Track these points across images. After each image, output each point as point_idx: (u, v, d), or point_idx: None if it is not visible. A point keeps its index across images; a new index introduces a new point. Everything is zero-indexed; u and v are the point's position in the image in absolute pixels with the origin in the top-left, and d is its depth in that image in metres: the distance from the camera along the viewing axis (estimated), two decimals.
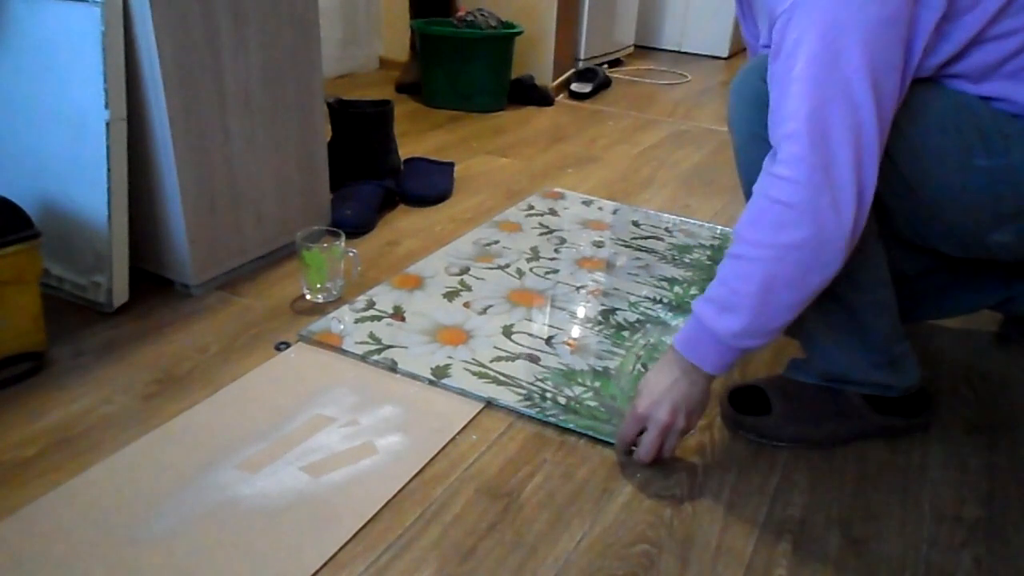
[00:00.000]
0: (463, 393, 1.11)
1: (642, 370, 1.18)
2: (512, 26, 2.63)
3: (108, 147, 1.16)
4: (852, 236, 0.85)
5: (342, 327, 1.25)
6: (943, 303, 1.27)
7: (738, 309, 0.89)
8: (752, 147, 0.97)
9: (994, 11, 0.83)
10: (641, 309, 1.36)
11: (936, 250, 1.05)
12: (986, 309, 1.30)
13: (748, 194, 0.93)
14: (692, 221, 1.77)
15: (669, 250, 1.61)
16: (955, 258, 1.09)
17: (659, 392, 0.95)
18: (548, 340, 1.25)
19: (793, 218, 0.85)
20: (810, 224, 0.84)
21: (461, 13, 2.65)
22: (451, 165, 1.92)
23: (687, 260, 1.57)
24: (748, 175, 0.98)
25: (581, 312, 1.35)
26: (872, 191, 0.85)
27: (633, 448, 0.98)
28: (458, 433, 1.03)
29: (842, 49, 0.80)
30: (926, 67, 0.87)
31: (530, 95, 2.75)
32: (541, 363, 1.19)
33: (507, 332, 1.27)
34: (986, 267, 1.20)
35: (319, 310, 1.30)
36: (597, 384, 1.14)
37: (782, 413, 1.06)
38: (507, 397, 1.10)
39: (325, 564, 0.82)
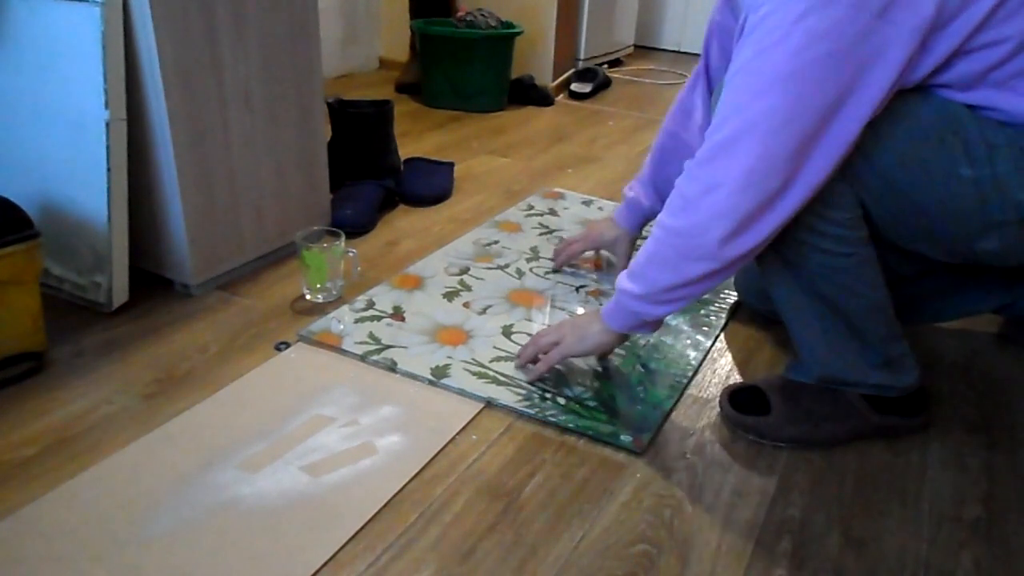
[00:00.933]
0: (463, 393, 1.11)
1: (642, 370, 1.18)
2: (512, 26, 2.64)
3: (108, 147, 1.16)
4: (721, 247, 0.89)
5: (342, 327, 1.25)
6: (944, 307, 1.27)
7: (634, 277, 0.99)
8: None
9: (977, 21, 0.82)
10: None
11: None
12: (987, 313, 1.30)
13: None
14: None
15: None
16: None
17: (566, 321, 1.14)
18: None
19: (677, 204, 0.92)
20: (686, 216, 0.90)
21: (461, 13, 2.66)
22: (451, 165, 1.92)
23: None
24: None
25: (581, 312, 1.35)
26: (775, 221, 0.87)
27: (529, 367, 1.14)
28: (458, 433, 1.03)
29: (770, 64, 0.82)
30: (910, 79, 0.86)
31: (530, 95, 2.75)
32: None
33: (507, 332, 1.27)
34: (987, 271, 1.20)
35: (319, 310, 1.30)
36: (597, 384, 1.14)
37: (782, 413, 1.06)
38: (507, 397, 1.10)
39: (325, 564, 0.82)
